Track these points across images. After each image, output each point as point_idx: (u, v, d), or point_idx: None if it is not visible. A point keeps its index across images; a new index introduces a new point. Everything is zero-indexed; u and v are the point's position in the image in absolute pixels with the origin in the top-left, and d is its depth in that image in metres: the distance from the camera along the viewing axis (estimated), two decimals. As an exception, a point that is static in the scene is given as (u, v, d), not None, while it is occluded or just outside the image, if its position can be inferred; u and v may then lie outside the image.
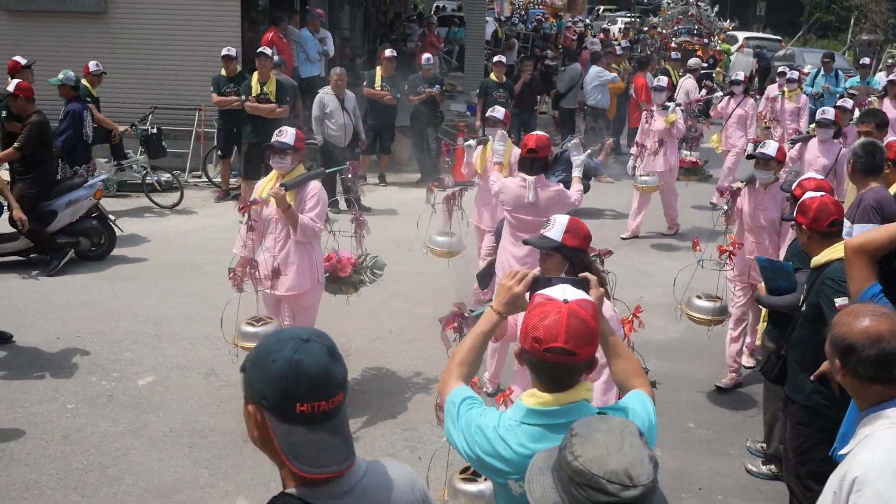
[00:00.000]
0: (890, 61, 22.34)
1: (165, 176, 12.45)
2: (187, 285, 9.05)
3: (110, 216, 10.02)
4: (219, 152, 12.81)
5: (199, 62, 13.36)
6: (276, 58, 12.17)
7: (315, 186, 6.28)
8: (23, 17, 13.76)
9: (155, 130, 12.03)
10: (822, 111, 9.63)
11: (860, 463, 2.76)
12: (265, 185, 6.31)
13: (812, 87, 17.23)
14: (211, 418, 6.44)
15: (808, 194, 5.06)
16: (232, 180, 12.81)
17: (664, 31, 24.53)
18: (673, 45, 22.64)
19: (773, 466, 5.97)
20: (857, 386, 2.95)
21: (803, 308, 4.83)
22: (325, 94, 12.08)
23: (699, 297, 6.85)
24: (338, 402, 2.08)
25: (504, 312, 3.02)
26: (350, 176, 7.58)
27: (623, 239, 11.43)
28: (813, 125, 10.47)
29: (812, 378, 4.52)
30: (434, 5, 38.58)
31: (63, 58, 13.21)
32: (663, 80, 12.11)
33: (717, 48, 23.41)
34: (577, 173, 7.45)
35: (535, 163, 6.70)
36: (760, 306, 6.27)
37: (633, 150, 11.91)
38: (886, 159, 6.58)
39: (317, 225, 6.17)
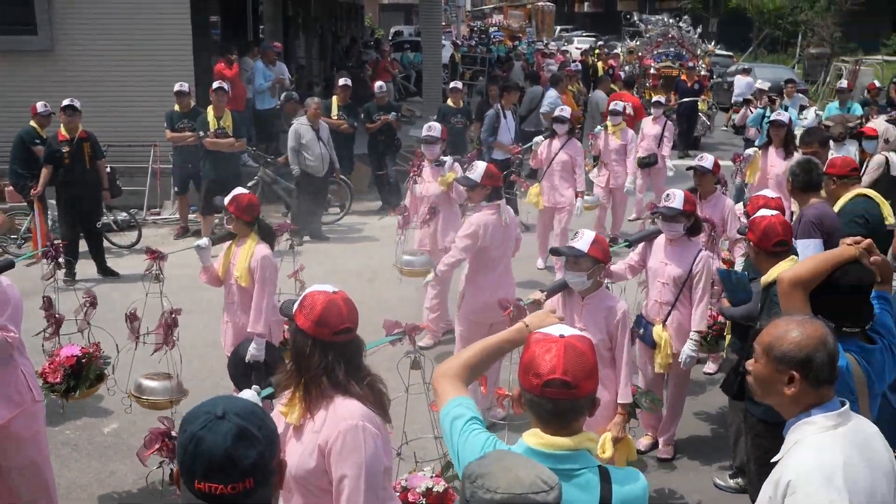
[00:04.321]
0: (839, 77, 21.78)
1: (122, 215, 12.27)
2: (147, 326, 8.85)
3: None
4: (175, 188, 12.70)
5: (152, 98, 13.20)
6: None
7: None
8: (-33, 57, 13.47)
9: (108, 169, 11.86)
10: (668, 195, 6.19)
11: (792, 467, 2.86)
12: None
13: (761, 125, 13.75)
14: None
15: (761, 212, 5.27)
16: (191, 216, 12.66)
17: (642, 55, 22.26)
18: (652, 70, 20.99)
19: (740, 479, 6.07)
20: (811, 392, 2.93)
21: (759, 325, 4.91)
22: (301, 125, 11.92)
23: None
24: (242, 488, 2.00)
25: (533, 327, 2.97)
26: None
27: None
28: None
29: None
30: (392, 31, 38.80)
31: (10, 99, 13.01)
32: (435, 129, 8.79)
33: (703, 73, 20.93)
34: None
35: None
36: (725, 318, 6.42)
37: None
38: (829, 175, 6.92)
39: (9, 334, 4.55)
